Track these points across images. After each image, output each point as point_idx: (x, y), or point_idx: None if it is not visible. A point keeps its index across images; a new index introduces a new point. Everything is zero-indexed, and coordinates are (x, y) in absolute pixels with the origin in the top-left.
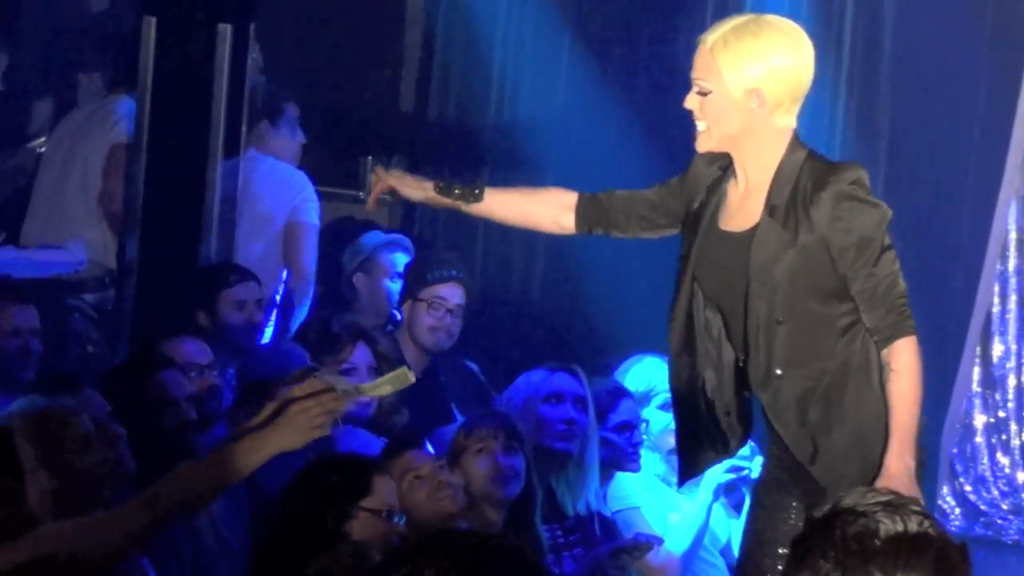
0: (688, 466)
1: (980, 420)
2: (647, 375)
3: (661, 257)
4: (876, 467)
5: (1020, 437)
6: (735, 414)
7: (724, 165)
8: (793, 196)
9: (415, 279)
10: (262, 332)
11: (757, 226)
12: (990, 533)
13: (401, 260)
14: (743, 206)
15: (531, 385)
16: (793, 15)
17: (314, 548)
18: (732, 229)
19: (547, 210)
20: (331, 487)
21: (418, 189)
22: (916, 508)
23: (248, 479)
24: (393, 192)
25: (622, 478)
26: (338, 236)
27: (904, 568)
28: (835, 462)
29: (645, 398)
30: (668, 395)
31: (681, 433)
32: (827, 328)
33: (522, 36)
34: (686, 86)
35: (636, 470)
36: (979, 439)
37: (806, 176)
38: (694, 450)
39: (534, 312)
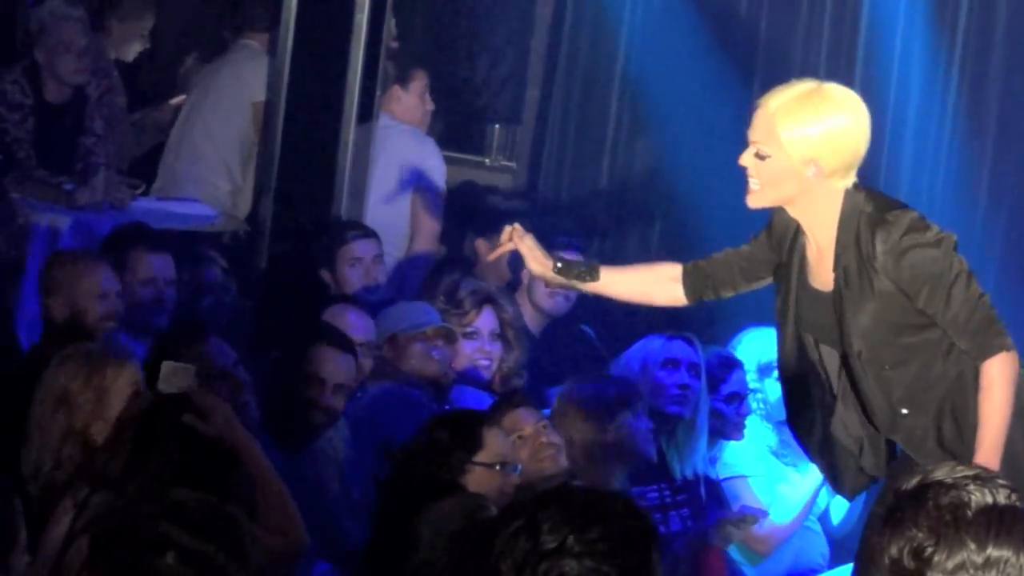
0: (847, 491)
1: None
2: (767, 346)
3: None
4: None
5: None
6: (868, 446)
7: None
8: (858, 252)
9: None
10: (380, 288)
11: (834, 290)
12: None
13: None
14: (821, 265)
15: (648, 351)
16: (909, 9)
17: (431, 501)
18: (820, 288)
19: (658, 288)
20: (443, 444)
21: (540, 265)
22: (1004, 482)
23: (374, 431)
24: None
25: (734, 447)
26: (462, 200)
27: (996, 538)
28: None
29: (766, 369)
30: None
31: (824, 468)
32: (931, 355)
33: (650, 14)
34: (801, 68)
35: (739, 439)
36: None
37: (864, 228)
38: (845, 476)
39: None
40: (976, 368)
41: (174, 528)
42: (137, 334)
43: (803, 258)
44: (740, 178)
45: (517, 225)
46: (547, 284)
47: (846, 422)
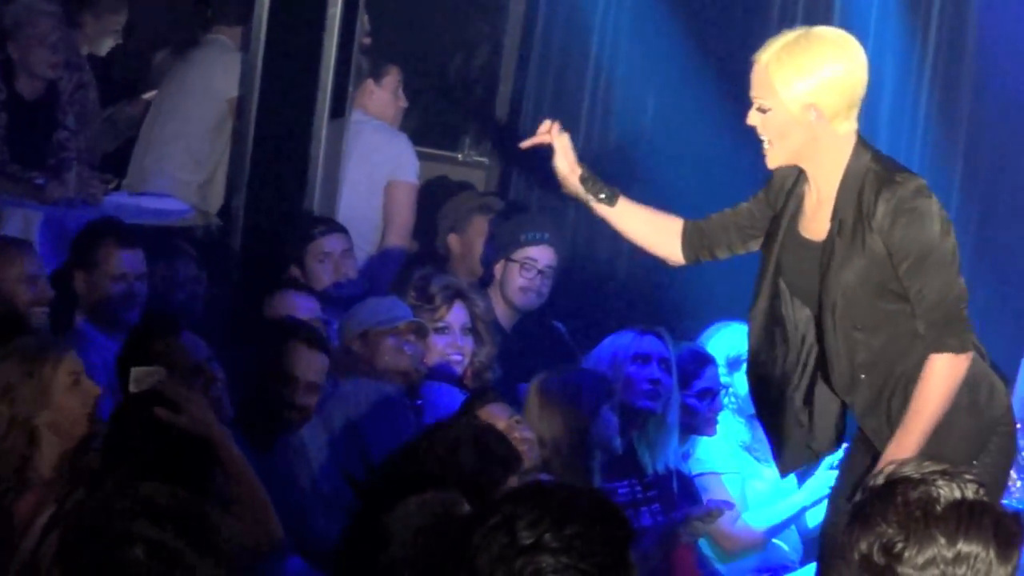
0: (784, 464)
1: None
2: (736, 341)
3: None
4: (951, 449)
5: None
6: (819, 418)
7: (800, 170)
8: (858, 207)
9: (508, 240)
10: (350, 284)
11: (827, 240)
12: None
13: (494, 222)
14: (817, 215)
15: (619, 346)
16: (882, 5)
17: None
18: (810, 237)
19: (662, 239)
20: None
21: (568, 166)
22: (970, 476)
23: (347, 426)
24: (536, 149)
25: (706, 443)
26: (434, 196)
27: (965, 533)
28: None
29: (735, 363)
30: None
31: (771, 433)
32: (903, 328)
33: (621, 12)
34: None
35: (712, 435)
36: None
37: (869, 185)
38: (787, 449)
39: (621, 276)
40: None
41: (143, 523)
42: (108, 329)
43: (799, 207)
44: (714, 170)
45: (558, 122)
46: (562, 187)
47: (799, 395)
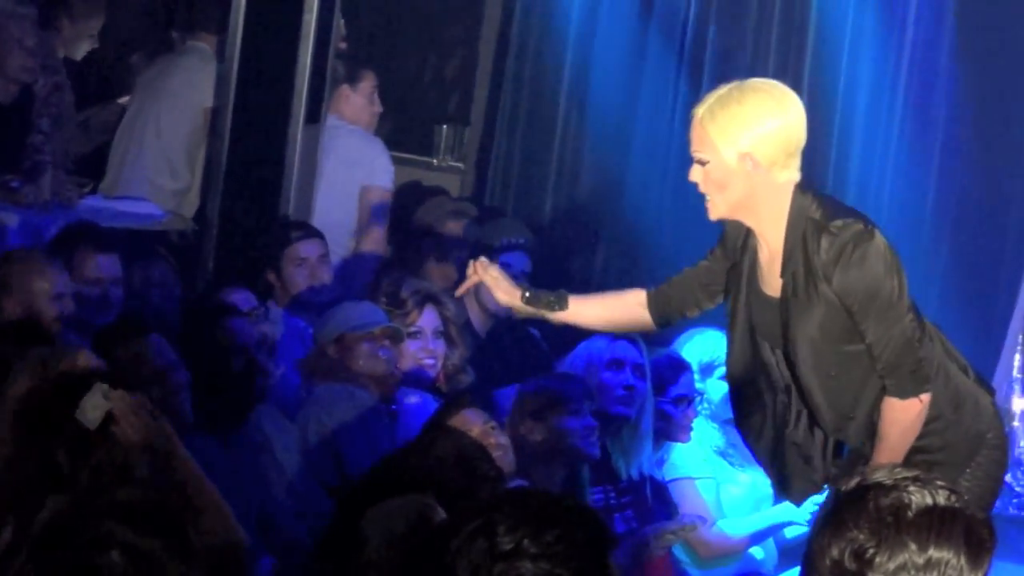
0: (795, 496)
1: (1019, 405)
2: (709, 347)
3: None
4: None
5: None
6: (819, 457)
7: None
8: (805, 261)
9: (483, 245)
10: (327, 288)
11: (782, 297)
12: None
13: (467, 227)
14: (771, 269)
15: (593, 352)
16: (858, 9)
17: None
18: (770, 293)
19: (626, 315)
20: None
21: (508, 295)
22: (942, 483)
23: (321, 431)
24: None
25: (680, 448)
26: (408, 200)
27: (936, 539)
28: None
29: (708, 369)
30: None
31: (773, 472)
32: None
33: (596, 17)
34: (751, 69)
35: (686, 440)
36: (1016, 423)
37: (810, 235)
38: (795, 482)
39: (595, 282)
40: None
41: (118, 526)
42: (83, 333)
43: (754, 262)
44: (684, 174)
45: (482, 258)
46: (515, 313)
47: (798, 433)
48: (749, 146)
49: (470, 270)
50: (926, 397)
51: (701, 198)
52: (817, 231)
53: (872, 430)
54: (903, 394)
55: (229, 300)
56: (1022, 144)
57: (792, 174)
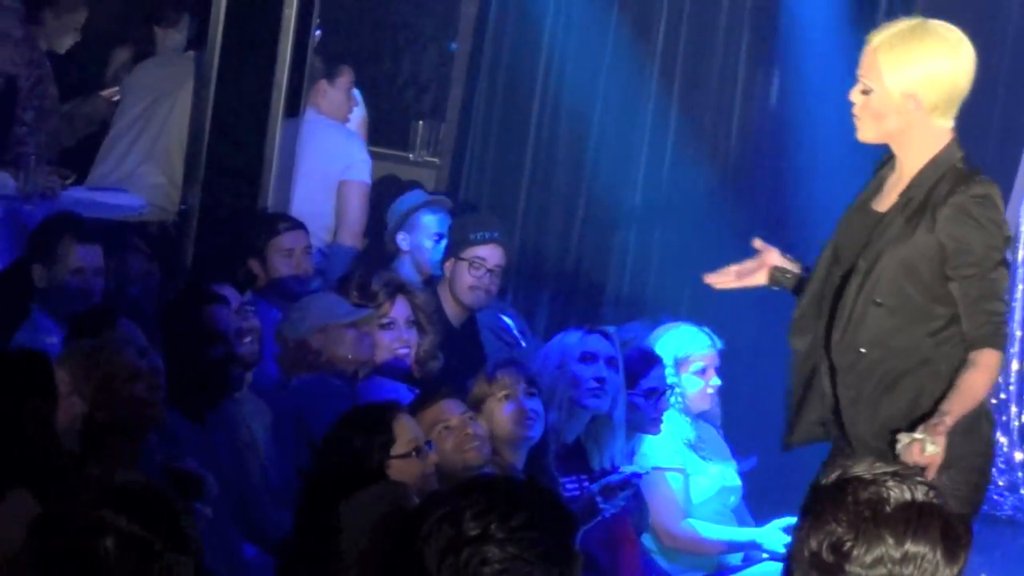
0: (793, 436)
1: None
2: (683, 341)
3: (695, 227)
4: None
5: (1019, 419)
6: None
7: (892, 157)
8: (928, 195)
9: (458, 239)
10: (310, 280)
11: (889, 211)
12: (985, 508)
13: (442, 220)
14: (892, 191)
15: (566, 345)
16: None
17: (352, 491)
18: (877, 209)
19: None
20: (358, 448)
21: (794, 265)
22: (921, 479)
23: (297, 420)
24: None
25: (651, 441)
26: (383, 194)
27: (914, 534)
28: (867, 438)
29: (682, 363)
30: (702, 362)
31: (791, 399)
32: (921, 324)
33: (572, 13)
34: (722, 68)
35: (656, 433)
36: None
37: (947, 179)
38: (801, 420)
39: (568, 275)
40: (943, 368)
41: (112, 513)
42: (64, 322)
43: (880, 185)
44: (663, 167)
45: (759, 240)
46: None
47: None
48: (916, 86)
49: (759, 243)
50: (1000, 356)
51: (674, 192)
52: (956, 178)
53: (863, 399)
54: (986, 343)
55: (212, 288)
56: (997, 152)
57: (948, 121)
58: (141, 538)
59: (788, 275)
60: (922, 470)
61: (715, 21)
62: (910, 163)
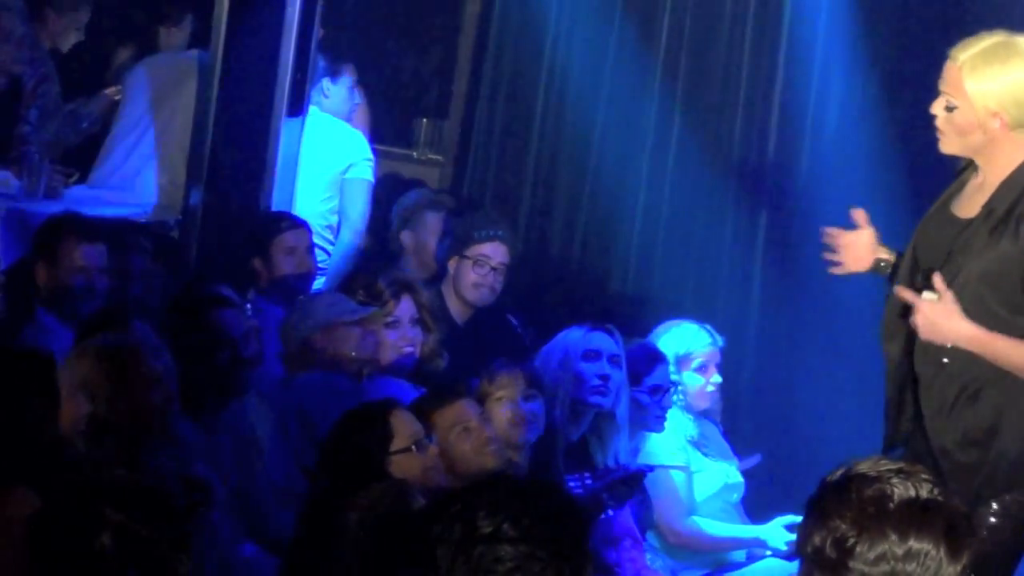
0: (897, 430)
1: None
2: (685, 339)
3: (699, 224)
4: (990, 470)
5: None
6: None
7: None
8: (1013, 205)
9: (462, 237)
10: (314, 278)
11: (973, 220)
12: None
13: (446, 218)
14: (974, 197)
15: (570, 342)
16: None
17: (357, 489)
18: (959, 214)
19: None
20: (358, 448)
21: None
22: (926, 476)
23: (301, 418)
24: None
25: (655, 438)
26: (387, 193)
27: (917, 531)
28: (950, 448)
29: (684, 360)
30: (703, 360)
31: (893, 396)
32: (1000, 331)
33: (576, 12)
34: (726, 65)
35: (660, 431)
36: None
37: None
38: (903, 417)
39: (572, 274)
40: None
41: (110, 509)
42: (68, 320)
43: (960, 189)
44: (666, 167)
45: (862, 210)
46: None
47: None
48: (1001, 106)
49: (860, 216)
50: None
51: (677, 189)
52: None
53: (945, 411)
54: None
55: (220, 291)
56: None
57: None
58: (139, 535)
59: (884, 264)
60: (926, 469)
61: (719, 17)
62: (993, 173)
